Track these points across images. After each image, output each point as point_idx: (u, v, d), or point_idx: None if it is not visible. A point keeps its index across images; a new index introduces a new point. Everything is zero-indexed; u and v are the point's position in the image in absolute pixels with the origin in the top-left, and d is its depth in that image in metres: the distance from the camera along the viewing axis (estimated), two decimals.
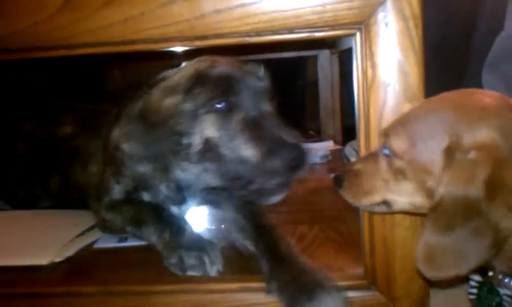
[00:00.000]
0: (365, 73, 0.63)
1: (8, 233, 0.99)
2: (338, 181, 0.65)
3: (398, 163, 0.57)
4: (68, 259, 0.84)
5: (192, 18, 0.64)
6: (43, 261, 0.82)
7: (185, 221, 0.84)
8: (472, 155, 0.51)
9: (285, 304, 0.67)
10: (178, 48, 0.69)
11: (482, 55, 1.54)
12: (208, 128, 0.76)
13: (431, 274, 0.55)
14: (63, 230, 0.93)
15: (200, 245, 0.75)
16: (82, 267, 0.83)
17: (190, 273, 0.73)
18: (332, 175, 0.67)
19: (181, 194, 0.86)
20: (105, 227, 0.92)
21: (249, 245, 0.80)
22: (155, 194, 0.87)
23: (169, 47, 0.67)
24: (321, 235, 0.78)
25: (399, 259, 0.67)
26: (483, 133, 0.52)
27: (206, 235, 0.83)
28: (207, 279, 0.73)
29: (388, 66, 0.62)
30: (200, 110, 0.76)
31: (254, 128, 0.75)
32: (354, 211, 0.71)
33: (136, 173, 0.86)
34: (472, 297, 0.67)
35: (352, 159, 0.68)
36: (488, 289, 0.65)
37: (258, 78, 0.81)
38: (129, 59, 1.76)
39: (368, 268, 0.69)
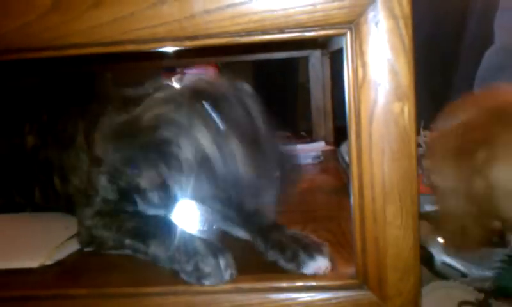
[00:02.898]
0: (355, 72, 0.63)
1: None
2: None
3: None
4: (59, 262, 0.83)
5: (182, 18, 0.64)
6: (33, 264, 0.81)
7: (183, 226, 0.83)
8: None
9: (287, 261, 0.73)
10: (169, 49, 0.69)
11: (472, 54, 1.55)
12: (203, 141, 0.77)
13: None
14: (54, 233, 0.93)
15: (213, 249, 0.73)
16: (73, 269, 0.82)
17: (206, 282, 0.71)
18: None
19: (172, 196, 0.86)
20: (91, 240, 0.87)
21: (239, 233, 0.86)
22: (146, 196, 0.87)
23: (159, 48, 0.67)
24: (313, 235, 0.78)
25: (391, 259, 0.67)
26: None
27: (202, 236, 0.83)
28: None
29: (378, 66, 0.62)
30: (195, 123, 0.77)
31: (247, 144, 0.78)
32: (346, 211, 0.71)
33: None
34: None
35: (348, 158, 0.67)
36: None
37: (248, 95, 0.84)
38: (120, 61, 1.76)
39: (359, 268, 0.69)
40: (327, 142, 1.81)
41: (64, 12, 0.66)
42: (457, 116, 0.66)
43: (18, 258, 0.84)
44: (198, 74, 1.69)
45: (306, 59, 1.91)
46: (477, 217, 0.58)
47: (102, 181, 0.88)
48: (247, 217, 0.86)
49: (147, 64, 1.82)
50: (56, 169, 1.01)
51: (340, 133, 1.76)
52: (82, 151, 0.93)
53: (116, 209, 0.87)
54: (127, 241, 0.82)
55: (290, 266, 0.74)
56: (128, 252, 0.83)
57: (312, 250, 0.73)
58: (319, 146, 1.75)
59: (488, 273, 0.93)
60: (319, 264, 0.72)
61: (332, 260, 0.73)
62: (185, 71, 2.00)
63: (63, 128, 1.02)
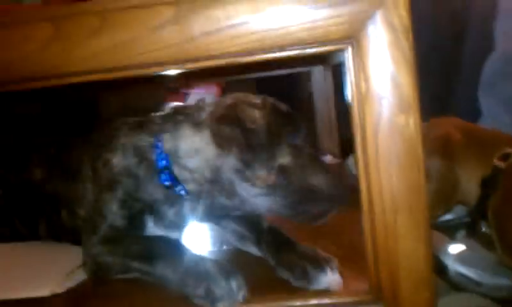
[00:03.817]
0: (358, 86, 0.63)
1: (6, 265, 0.98)
2: None
3: None
4: (70, 290, 0.83)
5: (182, 41, 0.64)
6: (44, 292, 0.81)
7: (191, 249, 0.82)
8: None
9: (297, 279, 0.74)
10: (171, 72, 0.69)
11: (474, 61, 1.54)
12: (283, 157, 0.79)
13: None
14: (64, 260, 0.92)
15: (224, 272, 0.72)
16: (84, 297, 0.82)
17: (219, 304, 0.70)
18: None
19: (186, 216, 0.87)
20: (97, 267, 0.85)
21: (252, 251, 0.87)
22: (160, 218, 0.87)
23: (161, 71, 0.67)
24: (324, 251, 0.77)
25: (404, 272, 0.66)
26: None
27: (212, 257, 0.83)
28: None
29: (381, 79, 0.62)
30: (278, 140, 0.79)
31: (315, 161, 0.82)
32: (356, 225, 0.70)
33: (150, 194, 0.86)
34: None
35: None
36: None
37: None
38: (123, 84, 1.76)
39: (373, 283, 0.68)
40: (333, 156, 1.81)
41: (66, 40, 0.66)
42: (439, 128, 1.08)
43: (29, 287, 0.83)
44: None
45: (308, 74, 1.91)
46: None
47: (113, 207, 0.87)
48: (259, 235, 0.86)
49: (150, 85, 1.82)
50: (63, 202, 1.00)
51: (346, 146, 1.76)
52: (88, 181, 0.93)
53: (122, 234, 0.86)
54: (134, 264, 0.81)
55: (300, 283, 0.73)
56: (136, 275, 0.81)
57: (320, 265, 0.73)
58: (326, 159, 1.74)
59: (504, 281, 0.91)
60: (329, 279, 0.72)
61: (345, 276, 0.73)
62: (189, 91, 2.00)
63: (69, 159, 1.01)
